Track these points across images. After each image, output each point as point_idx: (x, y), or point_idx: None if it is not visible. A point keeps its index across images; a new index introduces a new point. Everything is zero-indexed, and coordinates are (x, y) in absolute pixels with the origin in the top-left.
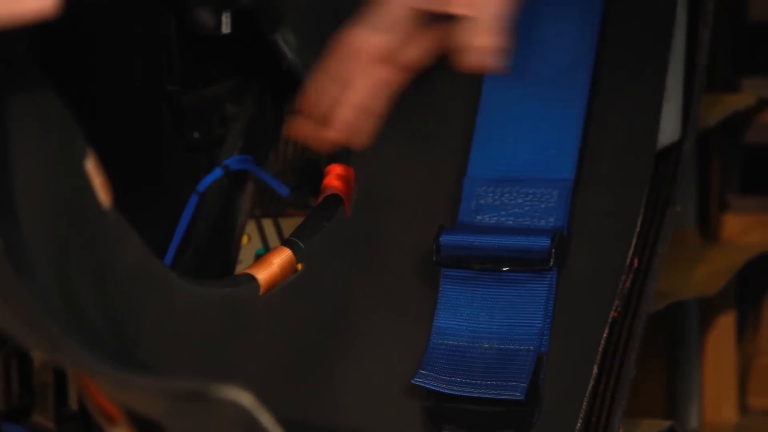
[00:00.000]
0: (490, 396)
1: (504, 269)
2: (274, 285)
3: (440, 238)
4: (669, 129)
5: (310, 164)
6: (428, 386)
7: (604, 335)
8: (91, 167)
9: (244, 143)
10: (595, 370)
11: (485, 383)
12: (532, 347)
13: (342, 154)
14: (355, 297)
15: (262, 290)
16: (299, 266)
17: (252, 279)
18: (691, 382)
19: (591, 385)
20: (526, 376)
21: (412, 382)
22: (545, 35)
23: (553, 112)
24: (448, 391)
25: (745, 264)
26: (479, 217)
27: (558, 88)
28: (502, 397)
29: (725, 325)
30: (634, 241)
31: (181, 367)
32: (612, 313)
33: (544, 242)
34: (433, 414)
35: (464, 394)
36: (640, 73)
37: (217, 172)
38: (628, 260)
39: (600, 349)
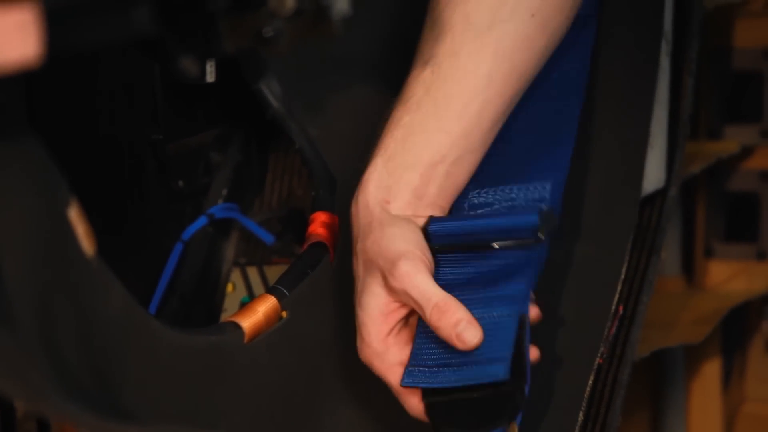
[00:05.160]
0: (475, 383)
1: (494, 245)
2: (259, 333)
3: (429, 227)
4: (653, 176)
5: (294, 212)
6: (416, 385)
7: (590, 382)
8: (75, 216)
9: (229, 191)
10: (581, 417)
11: (468, 367)
12: (513, 312)
13: (327, 201)
14: (339, 344)
15: (246, 338)
16: (284, 314)
17: (237, 327)
18: (678, 428)
19: None
20: (508, 349)
21: (401, 384)
22: (532, 86)
23: (540, 158)
24: (436, 386)
25: (730, 311)
26: (470, 212)
27: (545, 134)
28: (486, 380)
29: (710, 371)
30: (619, 288)
31: (165, 416)
32: (597, 360)
33: (533, 218)
34: (429, 416)
35: (450, 385)
36: (624, 121)
37: (201, 221)
38: (614, 307)
39: (585, 395)
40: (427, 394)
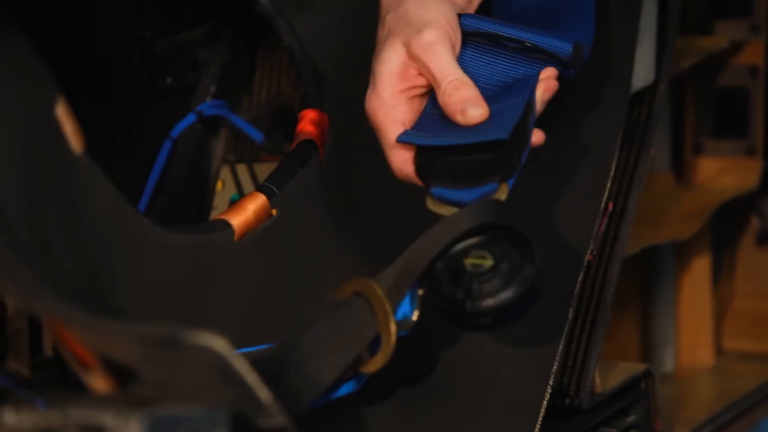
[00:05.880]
0: (475, 141)
1: (526, 43)
2: (249, 230)
3: (463, 15)
4: (643, 72)
5: (283, 109)
6: (413, 141)
7: (580, 279)
8: (62, 113)
9: (217, 89)
10: (571, 313)
11: (471, 130)
12: (521, 97)
13: (315, 98)
14: (329, 242)
15: (236, 236)
16: (274, 212)
17: (226, 225)
18: (667, 325)
19: (566, 328)
20: (513, 119)
21: (397, 139)
22: None
23: (564, 25)
24: (432, 143)
25: (719, 207)
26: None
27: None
28: (487, 138)
29: (700, 268)
30: (608, 184)
31: (155, 313)
32: (587, 257)
33: (568, 45)
34: (419, 172)
35: (449, 143)
36: (613, 18)
37: (190, 118)
38: (603, 204)
39: (575, 292)
40: (420, 153)
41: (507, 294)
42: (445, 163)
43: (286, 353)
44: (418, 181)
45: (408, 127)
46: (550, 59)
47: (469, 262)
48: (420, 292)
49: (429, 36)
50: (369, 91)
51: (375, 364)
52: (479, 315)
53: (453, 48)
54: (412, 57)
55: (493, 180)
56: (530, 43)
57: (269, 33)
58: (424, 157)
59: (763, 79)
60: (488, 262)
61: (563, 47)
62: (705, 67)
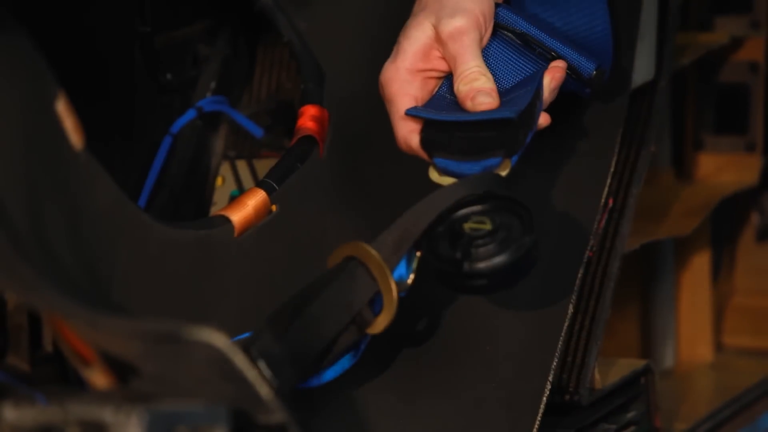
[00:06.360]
0: (483, 118)
1: (552, 56)
2: (249, 226)
3: (500, 6)
4: (643, 68)
5: (284, 105)
6: (422, 115)
7: (580, 275)
8: (62, 109)
9: (218, 84)
10: (571, 309)
11: (477, 114)
12: (530, 86)
13: (316, 94)
14: (328, 237)
15: (236, 232)
16: (273, 208)
17: (226, 220)
18: (667, 321)
19: (566, 324)
20: (522, 104)
21: (406, 112)
22: None
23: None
24: (441, 118)
25: (719, 203)
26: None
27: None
28: (495, 116)
29: (700, 264)
30: (608, 181)
31: (155, 309)
32: (587, 253)
33: (592, 65)
34: (424, 144)
35: (457, 119)
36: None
37: (190, 114)
38: (603, 200)
39: (575, 288)
40: (428, 126)
41: (502, 258)
42: (451, 138)
43: (285, 312)
44: (421, 153)
45: (419, 104)
46: (572, 74)
47: (468, 226)
48: (417, 254)
49: (459, 23)
50: (388, 61)
51: (381, 323)
52: (475, 276)
53: (480, 39)
54: (439, 40)
55: (497, 155)
56: (556, 53)
57: (270, 28)
58: (431, 130)
59: (763, 75)
60: (487, 227)
61: (588, 66)
62: (705, 63)
